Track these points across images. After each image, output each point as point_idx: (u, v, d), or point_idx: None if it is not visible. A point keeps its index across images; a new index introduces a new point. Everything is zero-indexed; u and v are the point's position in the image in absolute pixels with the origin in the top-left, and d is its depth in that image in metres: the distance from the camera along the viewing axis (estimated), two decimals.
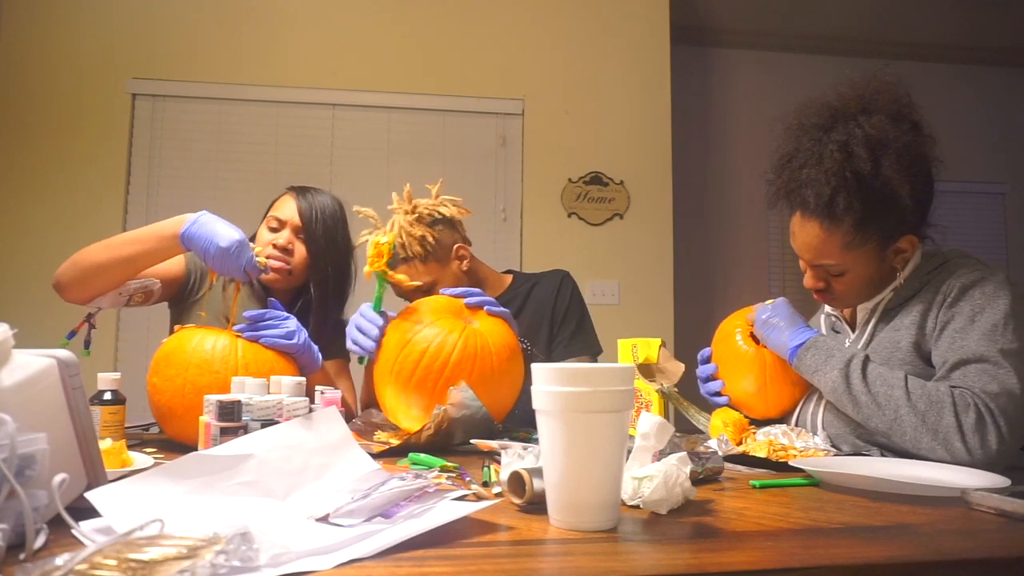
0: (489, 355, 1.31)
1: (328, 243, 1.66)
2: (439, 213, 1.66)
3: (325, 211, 1.67)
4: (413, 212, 1.64)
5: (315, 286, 1.66)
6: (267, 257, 1.62)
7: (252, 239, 1.70)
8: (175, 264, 1.61)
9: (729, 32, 4.11)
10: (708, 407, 1.38)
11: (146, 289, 1.44)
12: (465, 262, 1.71)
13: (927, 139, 1.21)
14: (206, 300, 1.63)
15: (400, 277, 1.43)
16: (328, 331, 1.68)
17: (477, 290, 1.43)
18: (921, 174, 1.20)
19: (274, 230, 1.65)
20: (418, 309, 1.38)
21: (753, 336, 1.34)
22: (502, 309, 1.42)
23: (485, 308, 1.40)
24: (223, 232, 1.32)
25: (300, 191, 1.69)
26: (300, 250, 1.64)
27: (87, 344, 1.45)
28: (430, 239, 1.63)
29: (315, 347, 1.39)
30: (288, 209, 1.66)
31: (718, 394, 1.35)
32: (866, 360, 1.16)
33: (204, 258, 1.33)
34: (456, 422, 1.24)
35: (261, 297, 1.66)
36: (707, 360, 1.39)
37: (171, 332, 1.42)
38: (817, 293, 1.30)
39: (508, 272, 1.90)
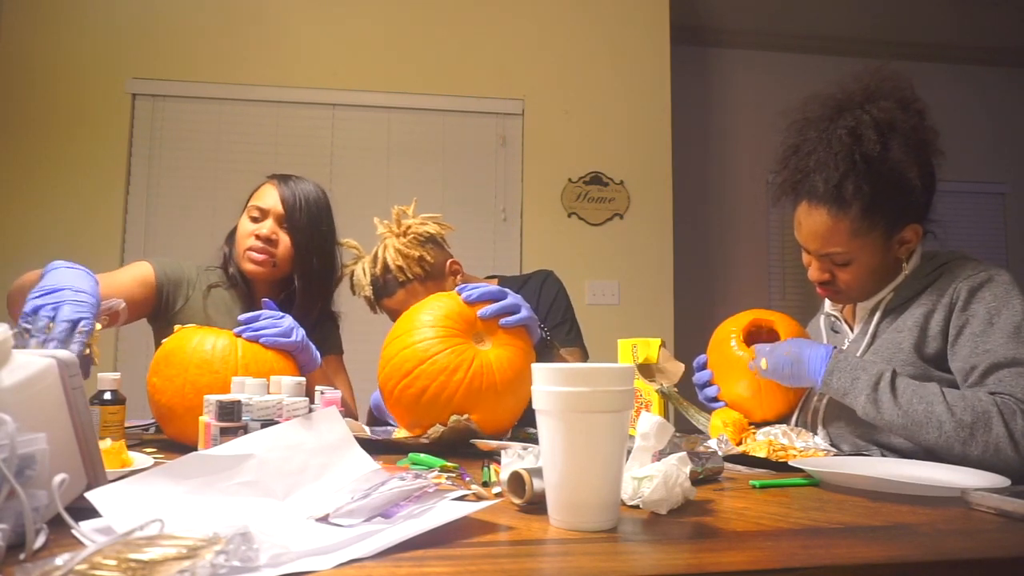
0: (494, 386, 1.23)
1: (313, 231, 1.59)
2: (427, 232, 1.65)
3: (308, 198, 1.60)
4: (406, 234, 1.63)
5: (299, 277, 1.60)
6: (248, 249, 1.56)
7: (234, 231, 1.65)
8: (144, 283, 1.53)
9: (729, 32, 4.11)
10: (708, 407, 1.39)
11: (110, 311, 1.28)
12: (459, 276, 1.71)
13: (930, 130, 1.22)
14: (186, 311, 1.57)
15: None
16: (320, 325, 1.65)
17: (496, 289, 1.32)
18: (927, 159, 1.21)
19: (255, 220, 1.58)
20: (428, 322, 1.26)
21: (746, 341, 1.34)
22: (520, 317, 1.31)
23: (500, 323, 1.29)
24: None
25: (281, 179, 1.62)
26: (284, 240, 1.58)
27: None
28: (428, 258, 1.62)
29: (313, 346, 1.39)
30: (270, 198, 1.59)
31: (715, 399, 1.35)
32: (894, 377, 1.11)
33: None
34: (451, 436, 1.22)
35: (246, 295, 1.62)
36: (703, 367, 1.39)
37: (156, 347, 1.37)
38: (821, 286, 1.29)
39: (493, 277, 1.90)
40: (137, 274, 1.54)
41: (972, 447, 1.04)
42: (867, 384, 1.12)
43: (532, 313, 1.34)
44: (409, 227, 1.64)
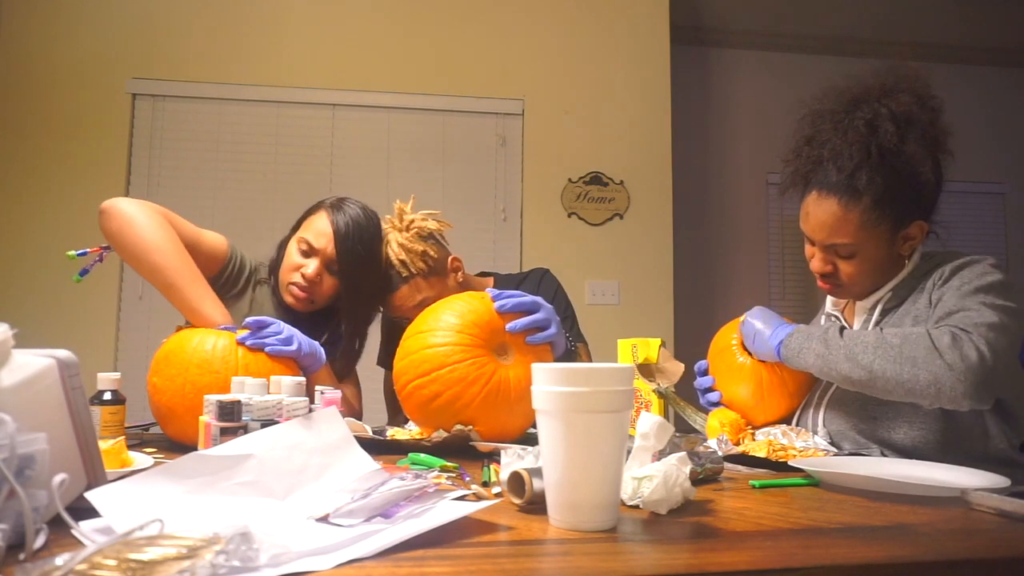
0: (508, 403, 1.22)
1: (362, 279, 1.56)
2: (428, 228, 1.66)
3: (363, 238, 1.54)
4: (408, 229, 1.63)
5: (346, 321, 1.58)
6: (291, 283, 1.53)
7: (285, 244, 1.61)
8: (219, 245, 1.56)
9: (729, 32, 4.10)
10: (705, 408, 1.39)
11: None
12: (460, 274, 1.71)
13: (943, 130, 1.22)
14: (235, 299, 1.56)
15: None
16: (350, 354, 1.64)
17: (530, 300, 1.30)
18: (938, 157, 1.22)
19: (304, 254, 1.54)
20: (454, 326, 1.24)
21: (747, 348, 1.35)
22: (548, 334, 1.30)
23: (527, 340, 1.29)
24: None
25: (336, 208, 1.56)
26: (328, 281, 1.54)
27: (83, 272, 1.49)
28: (431, 253, 1.62)
29: (316, 344, 1.38)
30: (323, 236, 1.53)
31: (718, 404, 1.36)
32: (842, 328, 1.18)
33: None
34: (452, 442, 1.22)
35: (281, 304, 1.60)
36: (704, 372, 1.39)
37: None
38: (823, 279, 1.29)
39: (490, 275, 1.90)
40: (213, 242, 1.56)
41: (902, 366, 1.07)
42: (820, 332, 1.18)
43: (560, 328, 1.34)
44: (412, 222, 1.64)
